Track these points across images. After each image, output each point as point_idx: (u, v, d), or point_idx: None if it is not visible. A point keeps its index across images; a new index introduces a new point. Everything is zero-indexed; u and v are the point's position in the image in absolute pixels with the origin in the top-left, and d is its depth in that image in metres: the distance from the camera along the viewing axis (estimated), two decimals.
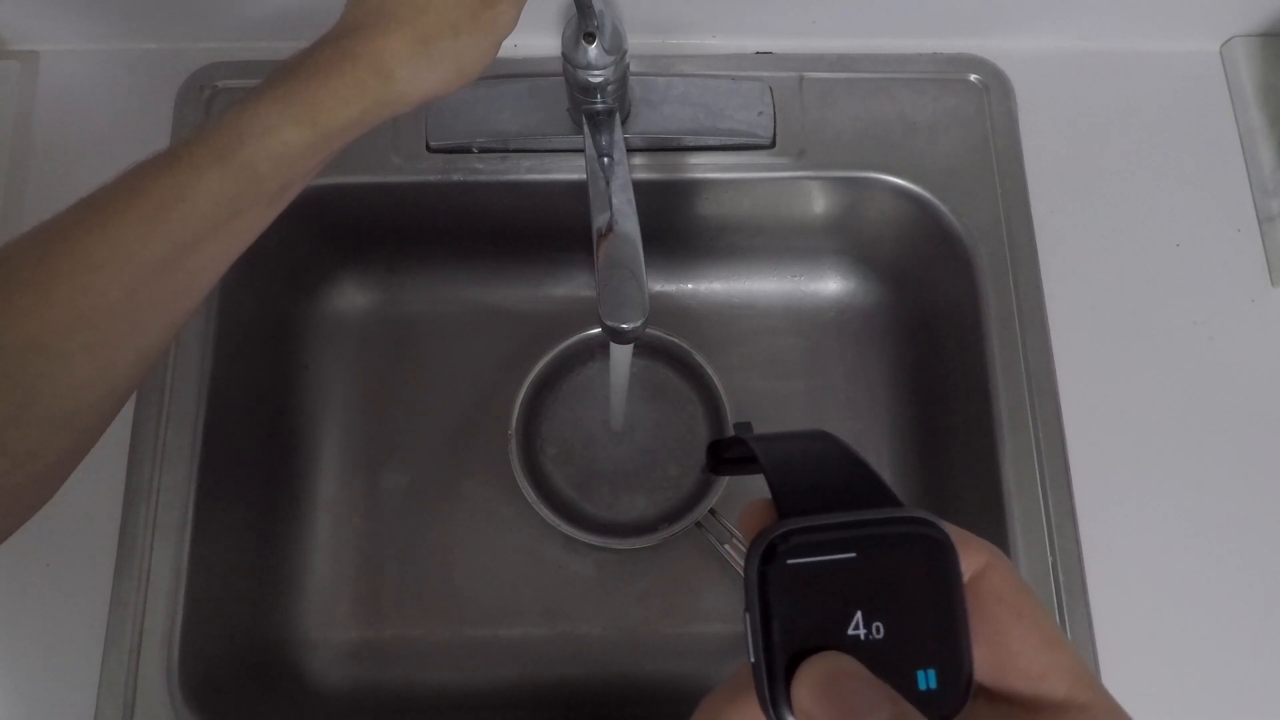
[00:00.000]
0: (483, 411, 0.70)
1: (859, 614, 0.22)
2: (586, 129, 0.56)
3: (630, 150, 0.62)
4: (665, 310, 0.72)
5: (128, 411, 0.57)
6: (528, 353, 0.67)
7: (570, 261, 0.72)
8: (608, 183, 0.54)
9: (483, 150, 0.63)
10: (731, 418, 0.66)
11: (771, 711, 0.21)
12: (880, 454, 0.69)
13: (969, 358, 0.61)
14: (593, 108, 0.55)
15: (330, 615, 0.66)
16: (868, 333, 0.72)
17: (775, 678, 0.21)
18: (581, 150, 0.61)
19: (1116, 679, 0.52)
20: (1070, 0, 0.63)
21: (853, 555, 0.22)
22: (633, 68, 0.59)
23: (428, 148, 0.63)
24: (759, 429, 0.28)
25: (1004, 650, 0.23)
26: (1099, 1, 0.63)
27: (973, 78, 0.65)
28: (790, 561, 0.22)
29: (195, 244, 0.37)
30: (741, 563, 0.22)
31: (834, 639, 0.22)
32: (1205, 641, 0.55)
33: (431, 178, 0.63)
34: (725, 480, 0.64)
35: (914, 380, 0.70)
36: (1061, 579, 0.56)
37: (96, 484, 0.56)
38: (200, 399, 0.58)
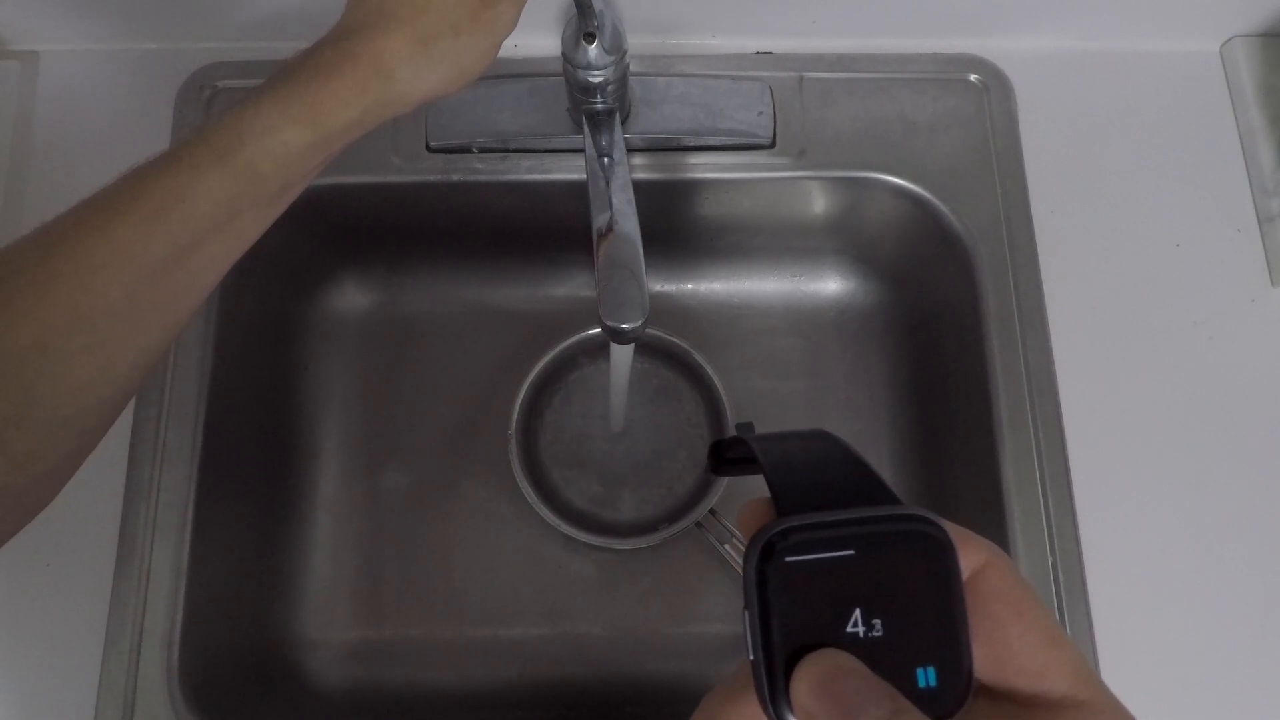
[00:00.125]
0: (483, 411, 0.70)
1: (858, 612, 0.22)
2: (586, 129, 0.56)
3: (630, 150, 0.62)
4: (665, 310, 0.72)
5: (128, 411, 0.57)
6: (528, 353, 0.67)
7: (570, 261, 0.72)
8: (608, 183, 0.54)
9: (483, 150, 0.63)
10: (731, 418, 0.66)
11: (771, 709, 0.22)
12: (880, 454, 0.69)
13: (969, 358, 0.61)
14: (593, 108, 0.55)
15: (330, 615, 0.66)
16: (868, 333, 0.72)
17: (774, 675, 0.21)
18: (581, 150, 0.61)
19: (1116, 679, 0.52)
20: (1070, 0, 0.63)
21: (851, 553, 0.22)
22: (633, 68, 0.59)
23: (428, 148, 0.63)
24: (760, 429, 0.28)
25: (1004, 648, 0.23)
26: (1099, 1, 0.63)
27: (973, 78, 0.65)
28: (789, 559, 0.22)
29: (196, 244, 0.37)
30: (741, 562, 0.22)
31: (833, 637, 0.22)
32: (1205, 641, 0.55)
33: (431, 178, 0.63)
34: (725, 480, 0.63)
35: (914, 380, 0.70)
36: (1061, 579, 0.56)
37: (96, 484, 0.56)
38: (200, 399, 0.58)
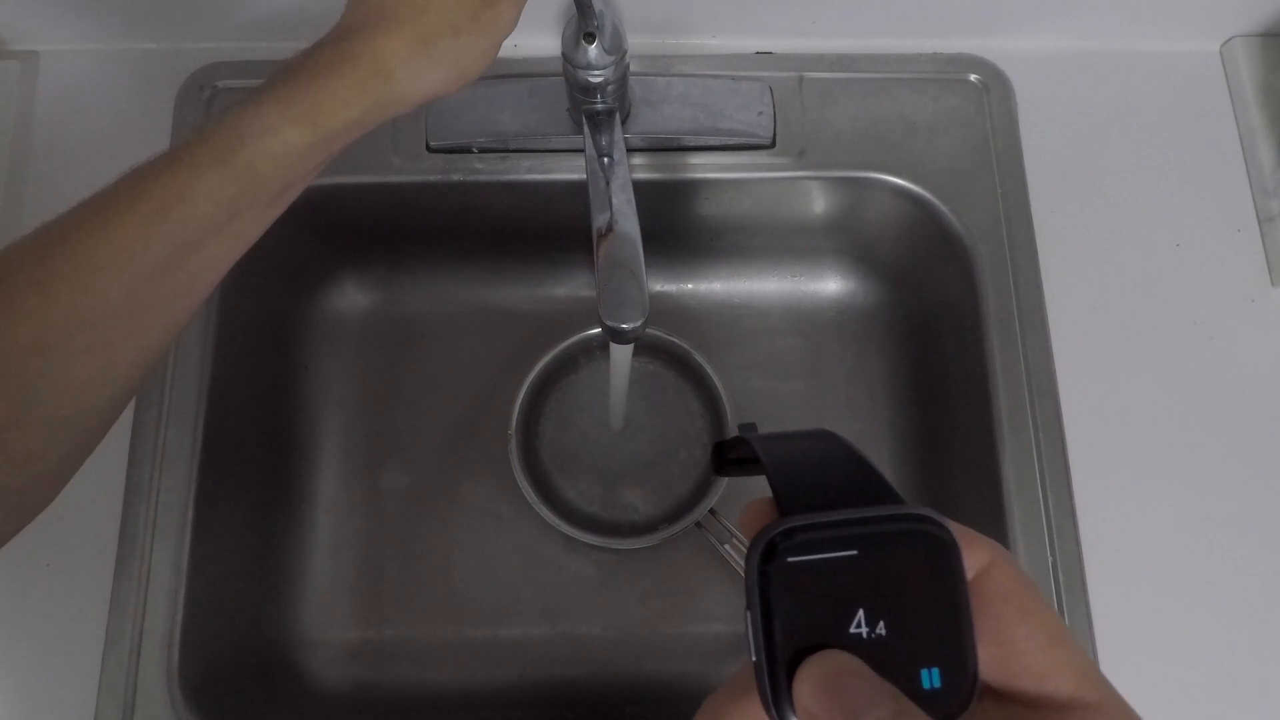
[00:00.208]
0: (483, 411, 0.70)
1: (861, 612, 0.22)
2: (586, 129, 0.56)
3: (630, 150, 0.62)
4: (665, 310, 0.72)
5: (128, 412, 0.57)
6: (528, 353, 0.67)
7: (570, 261, 0.72)
8: (608, 183, 0.54)
9: (483, 150, 0.63)
10: (731, 418, 0.66)
11: (773, 710, 0.21)
12: (880, 454, 0.69)
13: (969, 358, 0.61)
14: (593, 108, 0.55)
15: (330, 615, 0.66)
16: (868, 333, 0.72)
17: (777, 676, 0.21)
18: (581, 150, 0.61)
19: (1117, 679, 0.52)
20: (1070, 0, 0.63)
21: (854, 553, 0.22)
22: (633, 68, 0.59)
23: (428, 148, 0.63)
24: (761, 429, 0.28)
25: (1009, 648, 0.23)
26: (1099, 1, 0.63)
27: (973, 78, 0.65)
28: (791, 559, 0.22)
29: (196, 245, 0.37)
30: (742, 562, 0.22)
31: (836, 637, 0.22)
32: (1205, 641, 0.55)
33: (431, 178, 0.63)
34: (725, 480, 0.63)
35: (914, 380, 0.70)
36: (1061, 579, 0.56)
37: (96, 484, 0.56)
38: (200, 399, 0.58)
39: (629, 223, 0.52)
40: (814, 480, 0.24)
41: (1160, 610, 0.56)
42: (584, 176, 0.54)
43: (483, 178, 0.63)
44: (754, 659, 0.22)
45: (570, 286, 0.73)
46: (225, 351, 0.60)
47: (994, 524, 0.57)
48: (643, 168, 0.63)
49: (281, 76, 0.38)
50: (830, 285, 0.73)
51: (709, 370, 0.66)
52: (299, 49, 0.40)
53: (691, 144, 0.63)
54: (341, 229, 0.67)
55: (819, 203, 0.66)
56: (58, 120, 0.63)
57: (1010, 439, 0.58)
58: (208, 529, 0.57)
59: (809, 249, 0.71)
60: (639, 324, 0.49)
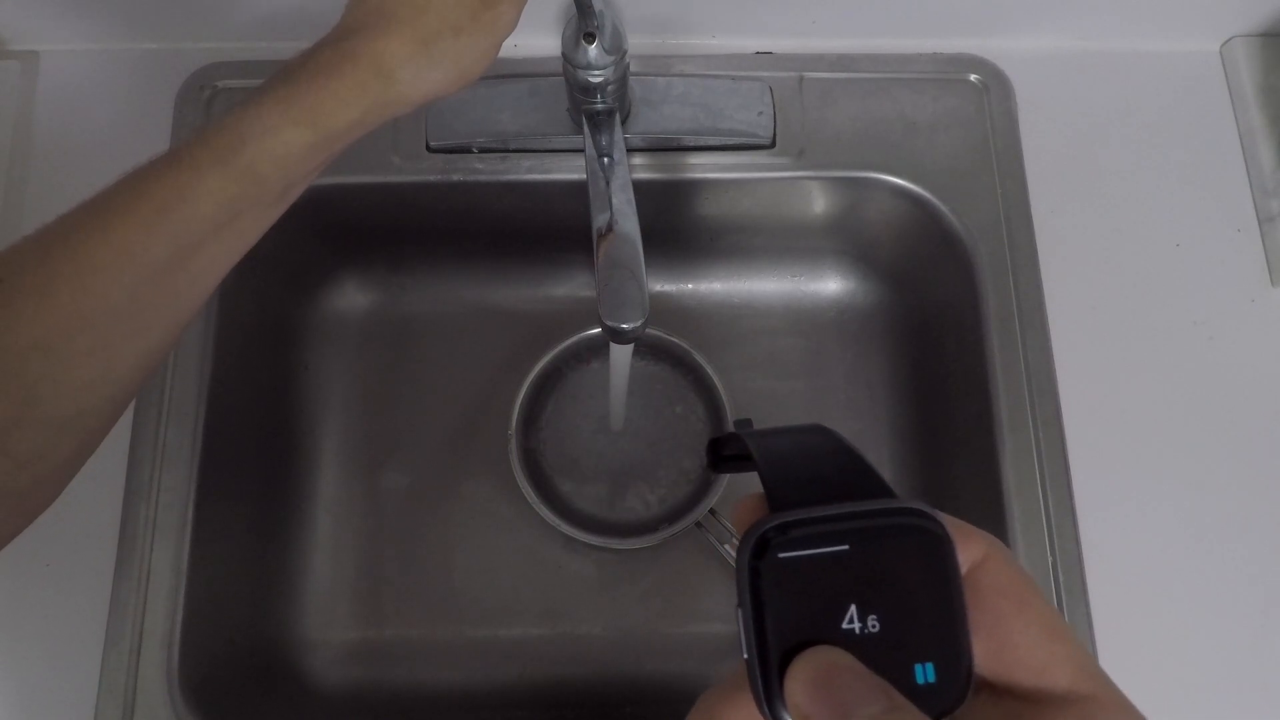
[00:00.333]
0: (483, 411, 0.70)
1: (853, 608, 0.21)
2: (586, 129, 0.56)
3: (630, 150, 0.62)
4: (665, 310, 0.72)
5: (128, 412, 0.57)
6: (528, 353, 0.67)
7: (570, 261, 0.72)
8: (608, 183, 0.54)
9: (483, 150, 0.63)
10: (731, 418, 0.66)
11: (765, 707, 0.21)
12: (880, 454, 0.69)
13: (969, 358, 0.61)
14: (593, 108, 0.55)
15: (330, 615, 0.66)
16: (868, 333, 0.72)
17: (769, 673, 0.21)
18: (581, 150, 0.61)
19: (1117, 678, 0.52)
20: (1070, 0, 0.63)
21: (845, 548, 0.22)
22: (633, 68, 0.59)
23: (428, 148, 0.63)
24: (759, 429, 0.28)
25: (1005, 642, 0.22)
26: (1099, 1, 0.63)
27: (973, 78, 0.65)
28: (782, 555, 0.22)
29: (197, 246, 0.37)
30: None
31: (828, 633, 0.21)
32: (1205, 641, 0.56)
33: (431, 178, 0.63)
34: (725, 480, 0.64)
35: (914, 380, 0.70)
36: (1061, 579, 0.56)
37: (96, 484, 0.56)
38: (200, 399, 0.58)
39: (629, 223, 0.52)
40: (806, 475, 0.24)
41: (1160, 610, 0.56)
42: (584, 176, 0.54)
43: (483, 178, 0.63)
44: (746, 656, 0.22)
45: (570, 286, 0.73)
46: (225, 351, 0.60)
47: (994, 524, 0.57)
48: (643, 168, 0.63)
49: (282, 77, 0.38)
50: (830, 285, 0.73)
51: (709, 370, 0.66)
52: (299, 49, 0.40)
53: (691, 144, 0.63)
54: (342, 229, 0.67)
55: (819, 203, 0.66)
56: (58, 120, 0.63)
57: (1010, 439, 0.58)
58: (208, 529, 0.57)
59: (809, 249, 0.71)
60: (639, 324, 0.49)
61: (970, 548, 0.23)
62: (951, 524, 0.23)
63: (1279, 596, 0.56)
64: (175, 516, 0.56)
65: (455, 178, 0.63)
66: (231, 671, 0.59)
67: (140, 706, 0.53)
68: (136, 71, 0.64)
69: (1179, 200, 0.63)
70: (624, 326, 0.49)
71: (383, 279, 0.72)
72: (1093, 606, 0.55)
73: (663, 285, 0.73)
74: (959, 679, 0.22)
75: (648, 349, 0.69)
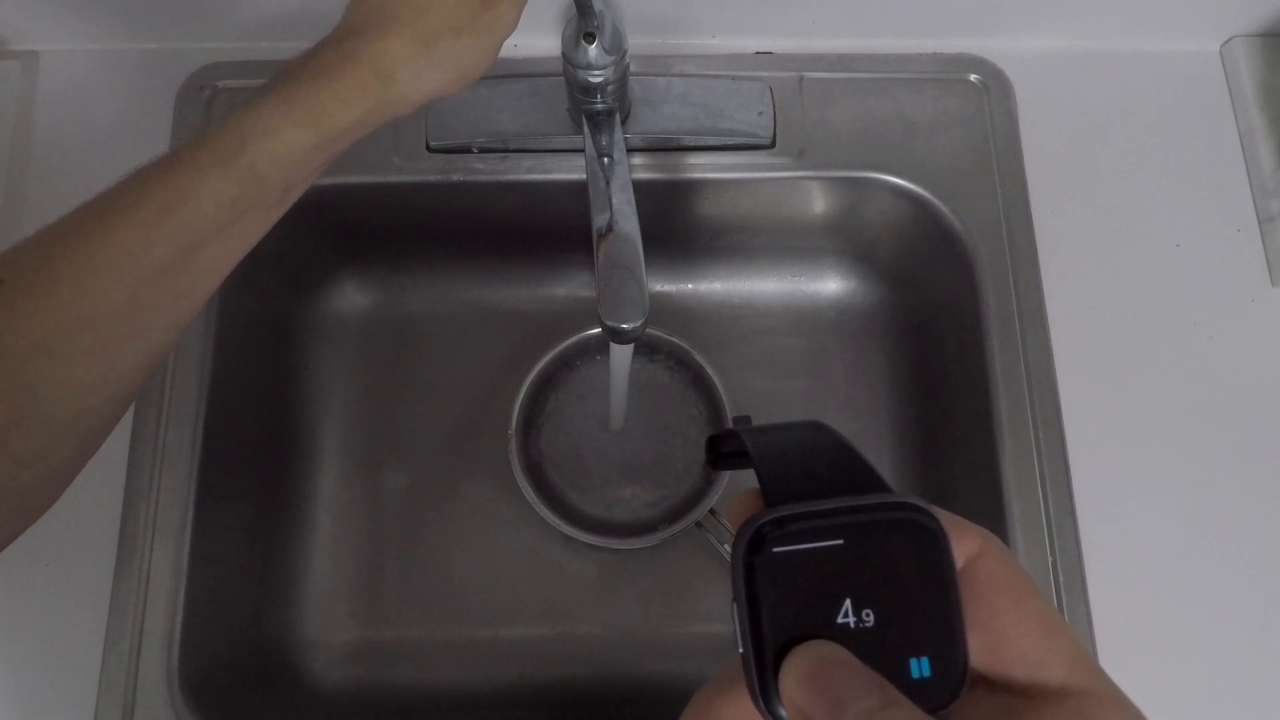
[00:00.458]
0: (483, 411, 0.70)
1: (848, 602, 0.21)
2: (586, 129, 0.56)
3: (630, 150, 0.62)
4: (665, 310, 0.72)
5: (128, 412, 0.57)
6: (528, 353, 0.67)
7: (570, 261, 0.72)
8: (608, 183, 0.54)
9: (483, 150, 0.63)
10: (731, 417, 0.66)
11: (761, 702, 0.21)
12: (880, 454, 0.69)
13: (969, 358, 0.61)
14: (593, 108, 0.55)
15: (330, 615, 0.66)
16: (868, 333, 0.72)
17: (764, 668, 0.21)
18: (581, 150, 0.61)
19: (1117, 678, 0.52)
20: (1070, 0, 0.63)
21: (840, 542, 0.22)
22: (633, 68, 0.59)
23: (428, 148, 0.63)
24: (756, 425, 0.28)
25: (1000, 636, 0.22)
26: (1099, 1, 0.63)
27: (973, 78, 0.65)
28: (777, 550, 0.22)
29: (198, 246, 0.37)
30: None
31: (823, 628, 0.21)
32: (1205, 641, 0.56)
33: (431, 178, 0.63)
34: (725, 480, 0.64)
35: (914, 380, 0.70)
36: (1061, 579, 0.56)
37: (96, 484, 0.56)
38: (200, 399, 0.58)
39: (629, 223, 0.52)
40: (801, 470, 0.24)
41: (1160, 610, 0.56)
42: (584, 176, 0.54)
43: (483, 178, 0.63)
44: (741, 650, 0.22)
45: (570, 286, 0.73)
46: (225, 352, 0.60)
47: (994, 524, 0.57)
48: (643, 168, 0.63)
49: (283, 78, 0.38)
50: (830, 285, 0.73)
51: (709, 370, 0.66)
52: (299, 49, 0.40)
53: (691, 144, 0.63)
54: (341, 229, 0.67)
55: (819, 203, 0.66)
56: (58, 120, 0.63)
57: (1010, 439, 0.58)
58: (208, 529, 0.57)
59: (809, 249, 0.71)
60: (639, 324, 0.49)
61: (965, 542, 0.23)
62: (947, 519, 0.23)
63: (1279, 596, 0.56)
64: (175, 516, 0.56)
65: (455, 178, 0.63)
66: (231, 671, 0.59)
67: (140, 706, 0.53)
68: (136, 71, 0.64)
69: (1179, 200, 0.63)
70: (624, 326, 0.49)
71: (383, 279, 0.72)
72: (1093, 606, 0.55)
73: (663, 285, 0.73)
74: (954, 673, 0.22)
75: (648, 349, 0.69)
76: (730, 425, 0.67)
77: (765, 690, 0.21)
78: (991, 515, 0.58)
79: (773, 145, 0.63)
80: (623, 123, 0.59)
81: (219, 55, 0.64)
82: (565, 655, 0.65)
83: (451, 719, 0.64)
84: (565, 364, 0.69)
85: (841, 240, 0.69)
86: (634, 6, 0.62)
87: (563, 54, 0.52)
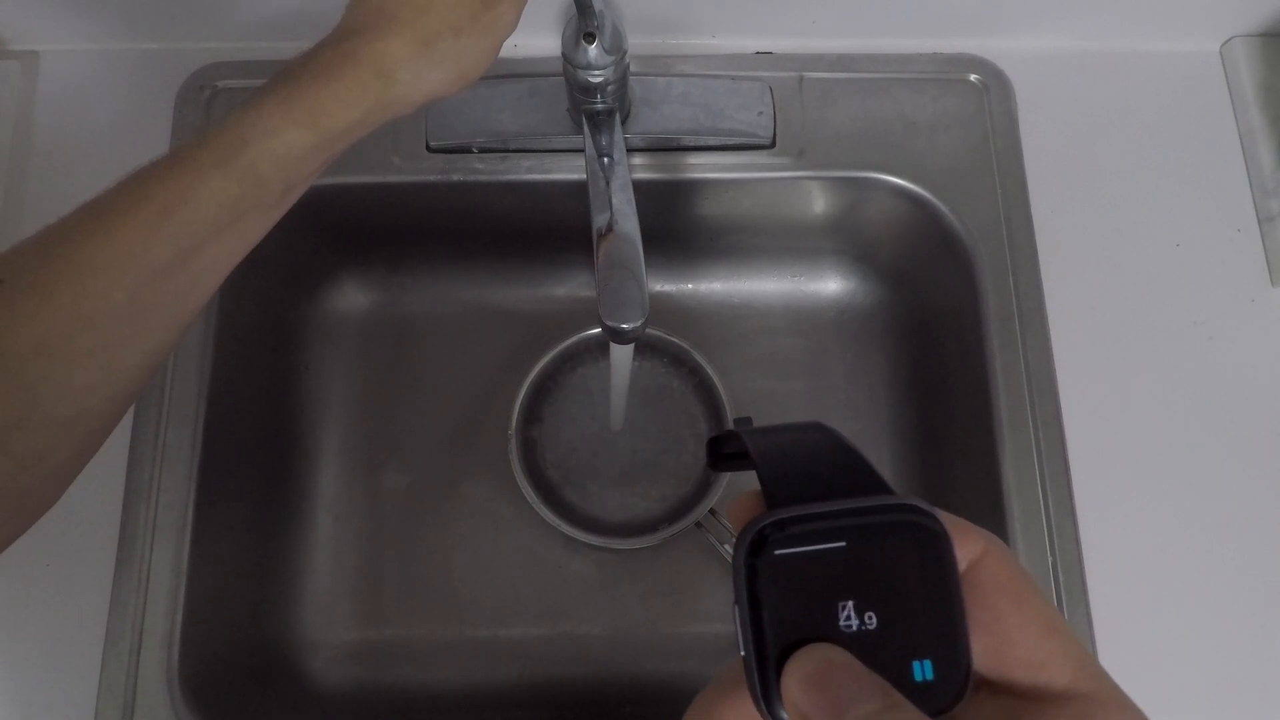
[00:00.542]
0: (483, 411, 0.70)
1: (850, 605, 0.21)
2: (586, 129, 0.56)
3: (630, 150, 0.62)
4: (665, 310, 0.72)
5: (128, 412, 0.57)
6: (528, 353, 0.67)
7: (570, 261, 0.72)
8: (608, 183, 0.54)
9: (483, 150, 0.63)
10: (731, 418, 0.66)
11: (763, 705, 0.21)
12: (880, 454, 0.69)
13: (969, 358, 0.61)
14: (593, 108, 0.55)
15: (330, 615, 0.66)
16: (868, 333, 0.72)
17: (766, 671, 0.21)
18: (581, 150, 0.61)
19: (1117, 678, 0.52)
20: (1070, 0, 0.63)
21: (842, 544, 0.22)
22: (633, 68, 0.59)
23: (428, 148, 0.63)
24: (758, 426, 0.28)
25: (1004, 639, 0.22)
26: (1099, 1, 0.63)
27: (973, 78, 0.65)
28: (778, 552, 0.22)
29: (198, 247, 0.37)
30: None
31: (825, 630, 0.21)
32: (1205, 641, 0.56)
33: (431, 178, 0.63)
34: (725, 480, 0.64)
35: (914, 380, 0.70)
36: (1061, 579, 0.56)
37: (96, 484, 0.56)
38: (200, 399, 0.58)
39: (629, 223, 0.52)
40: (803, 472, 0.24)
41: (1160, 610, 0.56)
42: (584, 176, 0.54)
43: (483, 178, 0.63)
44: (742, 653, 0.22)
45: (570, 286, 0.73)
46: (225, 352, 0.60)
47: (994, 524, 0.57)
48: (643, 168, 0.63)
49: (283, 78, 0.38)
50: (830, 285, 0.73)
51: (709, 370, 0.66)
52: (299, 49, 0.40)
53: (691, 144, 0.63)
54: (341, 229, 0.67)
55: (819, 203, 0.66)
56: (58, 120, 0.63)
57: (1010, 439, 0.58)
58: (208, 529, 0.57)
59: (809, 249, 0.71)
60: (639, 324, 0.49)
61: (968, 544, 0.23)
62: (949, 520, 0.23)
63: (1279, 596, 0.56)
64: (175, 516, 0.56)
65: (455, 178, 0.63)
66: (231, 671, 0.59)
67: (140, 706, 0.53)
68: (136, 71, 0.64)
69: (1179, 200, 0.63)
70: (624, 326, 0.49)
71: (383, 279, 0.72)
72: (1093, 606, 0.55)
73: (663, 285, 0.73)
74: (957, 676, 0.22)
75: (648, 349, 0.69)
76: (731, 426, 0.67)
77: (767, 693, 0.21)
78: (991, 515, 0.58)
79: (773, 145, 0.63)
80: (623, 123, 0.59)
81: (219, 55, 0.64)
82: (565, 655, 0.65)
83: (451, 719, 0.64)
84: (565, 364, 0.69)
85: (841, 240, 0.69)
86: (634, 6, 0.62)
87: (563, 54, 0.52)
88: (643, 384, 0.70)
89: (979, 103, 0.64)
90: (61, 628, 0.55)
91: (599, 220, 0.52)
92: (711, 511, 0.63)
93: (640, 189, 0.54)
